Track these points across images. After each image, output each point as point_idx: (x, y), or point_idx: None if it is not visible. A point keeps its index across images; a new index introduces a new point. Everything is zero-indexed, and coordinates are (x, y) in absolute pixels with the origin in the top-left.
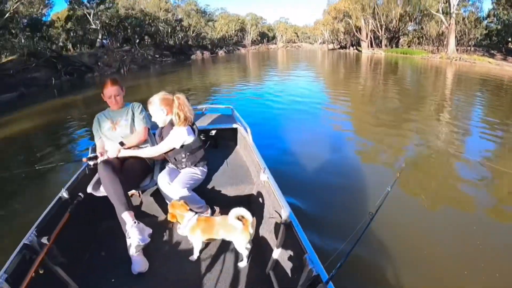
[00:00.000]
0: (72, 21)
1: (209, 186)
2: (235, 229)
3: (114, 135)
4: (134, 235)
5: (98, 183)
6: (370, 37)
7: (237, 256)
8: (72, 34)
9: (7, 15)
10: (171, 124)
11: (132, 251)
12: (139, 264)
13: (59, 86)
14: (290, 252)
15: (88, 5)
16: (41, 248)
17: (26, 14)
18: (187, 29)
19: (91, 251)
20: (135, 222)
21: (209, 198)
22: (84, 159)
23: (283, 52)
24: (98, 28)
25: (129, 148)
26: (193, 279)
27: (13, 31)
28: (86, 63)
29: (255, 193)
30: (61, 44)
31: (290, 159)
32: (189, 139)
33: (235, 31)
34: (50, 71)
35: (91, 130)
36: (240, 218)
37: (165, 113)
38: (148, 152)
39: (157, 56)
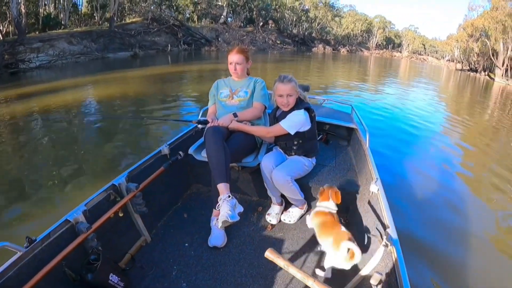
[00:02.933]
0: None
1: (311, 181)
2: (341, 255)
3: (230, 104)
4: (225, 209)
5: (201, 147)
6: (507, 65)
7: (320, 261)
8: (198, 7)
9: None
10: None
11: (217, 224)
12: (218, 238)
13: (176, 54)
14: (380, 278)
15: None
16: (127, 193)
17: None
18: (312, 20)
19: (175, 209)
20: (229, 196)
21: (307, 193)
22: (193, 121)
23: (406, 63)
24: (224, 5)
25: (241, 121)
26: (265, 270)
27: None
28: (206, 36)
29: (358, 202)
30: (188, 15)
31: (400, 178)
32: (305, 126)
33: (360, 31)
34: (170, 38)
35: (202, 97)
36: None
37: (295, 96)
38: (261, 130)
39: (278, 42)
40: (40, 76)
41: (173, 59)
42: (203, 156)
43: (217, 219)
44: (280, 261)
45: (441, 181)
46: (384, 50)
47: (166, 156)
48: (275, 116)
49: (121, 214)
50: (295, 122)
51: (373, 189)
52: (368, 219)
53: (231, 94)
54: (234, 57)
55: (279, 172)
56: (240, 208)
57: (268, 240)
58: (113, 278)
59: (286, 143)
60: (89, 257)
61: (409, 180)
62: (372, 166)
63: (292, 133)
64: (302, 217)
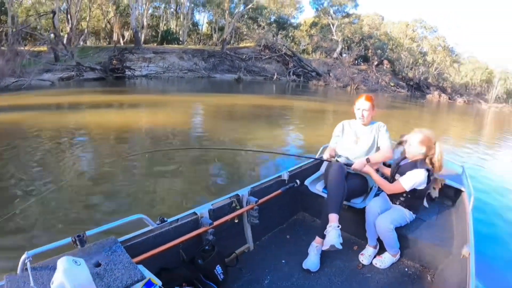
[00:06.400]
0: (317, 27)
1: (408, 233)
2: None
3: (354, 149)
4: (333, 235)
5: (316, 180)
6: None
7: None
8: (315, 39)
9: (250, 5)
10: (414, 162)
11: (322, 247)
12: (313, 263)
13: (283, 84)
14: None
15: (333, 15)
16: (247, 204)
17: (275, 12)
18: (429, 64)
19: (280, 229)
20: (338, 226)
21: (403, 243)
22: (334, 159)
23: None
24: (339, 40)
25: (373, 164)
26: None
27: (261, 24)
28: (317, 69)
29: (448, 262)
30: (303, 47)
31: (497, 248)
32: (420, 186)
33: (480, 80)
34: (280, 67)
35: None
36: None
37: (422, 151)
38: (384, 185)
39: (392, 84)
40: (145, 85)
41: (279, 90)
42: (317, 189)
43: (317, 247)
44: None
45: None
46: (504, 104)
47: (285, 181)
48: (398, 164)
49: (236, 220)
50: (413, 181)
51: (464, 252)
52: (453, 280)
53: (356, 139)
54: (362, 104)
55: (384, 219)
56: (341, 240)
57: (355, 278)
58: (218, 269)
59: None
60: (204, 246)
61: (507, 252)
62: (469, 230)
63: (408, 190)
64: (392, 265)
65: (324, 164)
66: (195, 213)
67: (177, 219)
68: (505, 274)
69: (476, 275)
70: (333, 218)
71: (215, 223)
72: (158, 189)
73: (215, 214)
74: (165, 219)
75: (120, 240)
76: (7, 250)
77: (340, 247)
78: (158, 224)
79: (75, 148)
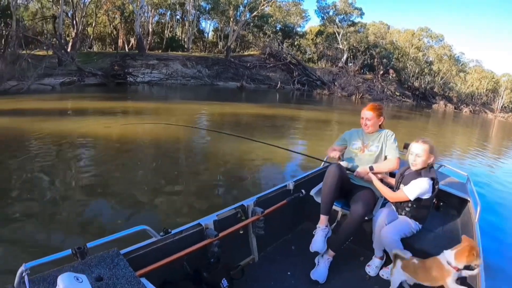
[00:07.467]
0: (322, 36)
1: (414, 244)
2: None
3: (361, 157)
4: (317, 237)
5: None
6: None
7: None
8: (320, 48)
9: (255, 13)
10: (416, 171)
11: (311, 249)
12: (321, 273)
13: (288, 92)
14: None
15: (339, 24)
16: (252, 215)
17: (281, 20)
18: (435, 74)
19: (285, 239)
20: (326, 226)
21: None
22: (340, 162)
23: None
24: (344, 49)
25: (377, 173)
26: None
27: (267, 32)
28: (322, 78)
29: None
30: (309, 55)
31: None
32: (425, 195)
33: (486, 90)
34: (285, 76)
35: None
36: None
37: (430, 161)
38: (387, 193)
39: (397, 94)
40: (147, 92)
41: (283, 98)
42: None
43: (328, 259)
44: None
45: None
46: (510, 114)
47: (290, 191)
48: (402, 174)
49: (241, 232)
50: (417, 190)
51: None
52: None
53: (363, 147)
54: (365, 113)
55: (389, 231)
56: (325, 244)
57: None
58: (224, 282)
59: (401, 202)
60: (210, 259)
61: None
62: (476, 240)
63: (412, 199)
64: None
65: None
66: (199, 224)
67: (181, 231)
68: None
69: (486, 284)
70: (322, 219)
71: (221, 234)
72: (163, 200)
73: (220, 225)
74: (169, 230)
75: (123, 252)
76: (2, 262)
77: (321, 249)
78: (162, 236)
79: (73, 157)
